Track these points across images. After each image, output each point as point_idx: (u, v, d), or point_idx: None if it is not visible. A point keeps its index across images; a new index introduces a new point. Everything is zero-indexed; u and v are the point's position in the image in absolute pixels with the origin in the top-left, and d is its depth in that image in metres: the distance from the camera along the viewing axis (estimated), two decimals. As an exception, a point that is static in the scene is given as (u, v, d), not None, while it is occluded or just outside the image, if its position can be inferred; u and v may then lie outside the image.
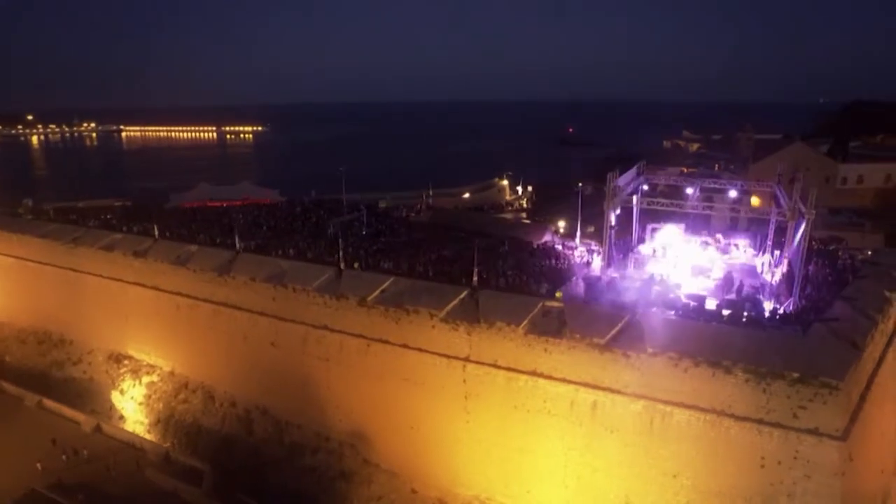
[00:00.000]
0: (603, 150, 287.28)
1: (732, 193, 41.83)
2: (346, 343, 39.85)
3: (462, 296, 36.60)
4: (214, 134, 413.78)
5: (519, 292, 36.86)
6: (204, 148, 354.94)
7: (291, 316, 41.88)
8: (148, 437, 45.43)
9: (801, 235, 33.64)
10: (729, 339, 30.46)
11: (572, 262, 43.47)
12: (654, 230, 44.73)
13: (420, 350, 37.11)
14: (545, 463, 34.37)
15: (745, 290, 35.82)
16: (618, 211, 38.27)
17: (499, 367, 34.86)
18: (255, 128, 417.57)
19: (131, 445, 43.28)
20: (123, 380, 50.27)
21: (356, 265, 41.77)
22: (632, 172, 44.69)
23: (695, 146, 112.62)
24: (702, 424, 30.37)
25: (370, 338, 38.82)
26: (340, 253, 41.19)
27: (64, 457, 40.83)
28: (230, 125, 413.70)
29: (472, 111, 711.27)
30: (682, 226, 42.99)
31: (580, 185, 55.82)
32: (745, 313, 32.32)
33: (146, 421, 47.91)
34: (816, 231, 48.15)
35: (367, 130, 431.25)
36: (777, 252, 39.32)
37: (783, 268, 37.60)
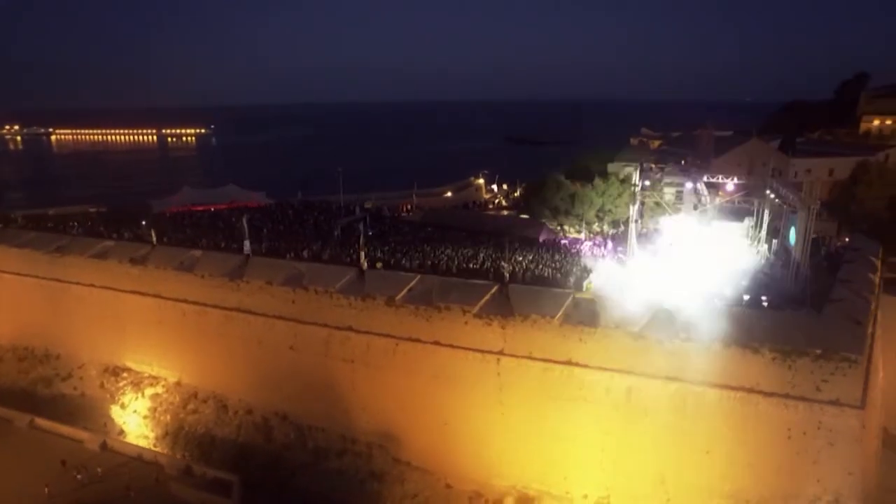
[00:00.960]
0: (556, 147, 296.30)
1: (730, 187, 44.66)
2: (373, 343, 39.85)
3: (492, 291, 37.45)
4: (154, 137, 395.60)
5: (545, 285, 38.06)
6: (143, 152, 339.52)
7: (313, 318, 41.42)
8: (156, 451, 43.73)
9: (806, 225, 36.42)
10: (753, 322, 32.74)
11: (583, 254, 45.09)
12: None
13: (452, 346, 37.65)
14: (581, 449, 35.70)
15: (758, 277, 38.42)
16: (638, 206, 40.16)
17: (534, 359, 35.91)
18: (198, 130, 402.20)
19: (145, 460, 41.50)
20: (123, 393, 48.02)
21: (378, 265, 41.78)
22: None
23: (656, 143, 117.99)
24: (732, 402, 32.49)
25: (399, 337, 39.00)
26: (363, 253, 41.10)
27: (79, 476, 38.71)
28: (171, 128, 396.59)
29: (425, 111, 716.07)
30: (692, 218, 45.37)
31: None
32: (763, 298, 34.78)
33: (152, 435, 46.02)
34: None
35: (321, 132, 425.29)
36: (775, 241, 42.32)
37: (782, 255, 40.57)
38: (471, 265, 41.41)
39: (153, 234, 48.25)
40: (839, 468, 31.20)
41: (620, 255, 42.43)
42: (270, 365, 43.23)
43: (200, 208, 62.70)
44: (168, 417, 46.06)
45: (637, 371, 33.97)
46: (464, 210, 74.79)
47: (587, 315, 35.08)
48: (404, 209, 73.42)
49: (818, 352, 30.77)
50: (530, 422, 36.52)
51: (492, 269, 39.78)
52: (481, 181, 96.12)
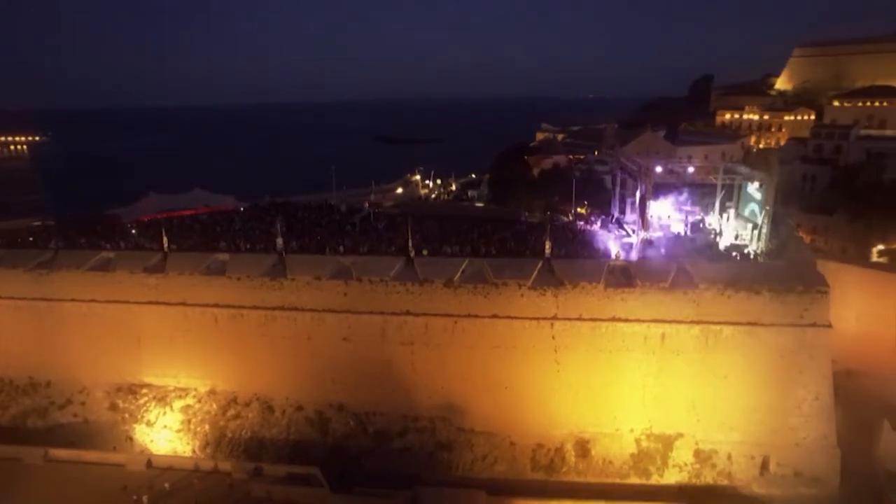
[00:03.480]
0: (424, 146, 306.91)
1: (690, 169, 54.44)
2: (431, 324, 42.96)
3: (539, 266, 42.70)
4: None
5: (577, 258, 44.23)
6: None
7: (367, 308, 43.28)
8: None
9: (770, 196, 46.53)
10: (750, 271, 41.97)
11: (581, 231, 52.06)
12: (632, 202, 55.48)
13: (509, 318, 42.26)
14: (626, 391, 42.40)
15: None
16: (642, 190, 47.77)
17: (583, 320, 41.86)
18: (31, 137, 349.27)
19: (204, 470, 40.43)
20: (147, 410, 45.15)
21: (424, 252, 44.83)
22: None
23: (560, 136, 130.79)
24: (741, 335, 41.25)
25: (457, 315, 42.61)
26: (410, 242, 43.91)
27: (145, 498, 36.90)
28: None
29: (300, 112, 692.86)
30: (674, 197, 54.11)
31: (577, 173, 64.76)
32: (747, 251, 44.29)
33: (188, 448, 44.32)
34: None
35: (185, 138, 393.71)
36: (731, 211, 52.67)
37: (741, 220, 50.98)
38: (505, 246, 46.17)
39: (165, 241, 46.05)
40: (818, 374, 41.28)
41: (628, 230, 50.00)
42: (322, 358, 44.14)
43: (175, 214, 59.42)
44: (206, 427, 44.63)
45: (668, 319, 41.43)
46: (439, 203, 78.51)
47: (623, 278, 41.92)
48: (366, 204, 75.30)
49: (801, 288, 40.53)
50: (582, 374, 42.44)
51: (528, 249, 44.95)
52: (417, 177, 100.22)
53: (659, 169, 54.07)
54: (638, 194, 47.41)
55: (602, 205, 66.98)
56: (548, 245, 43.20)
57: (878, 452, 44.55)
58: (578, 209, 61.84)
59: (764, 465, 41.60)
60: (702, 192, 54.96)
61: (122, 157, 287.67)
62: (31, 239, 51.88)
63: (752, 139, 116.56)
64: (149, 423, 45.13)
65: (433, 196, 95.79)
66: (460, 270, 42.77)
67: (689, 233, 48.07)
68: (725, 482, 41.40)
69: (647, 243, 45.92)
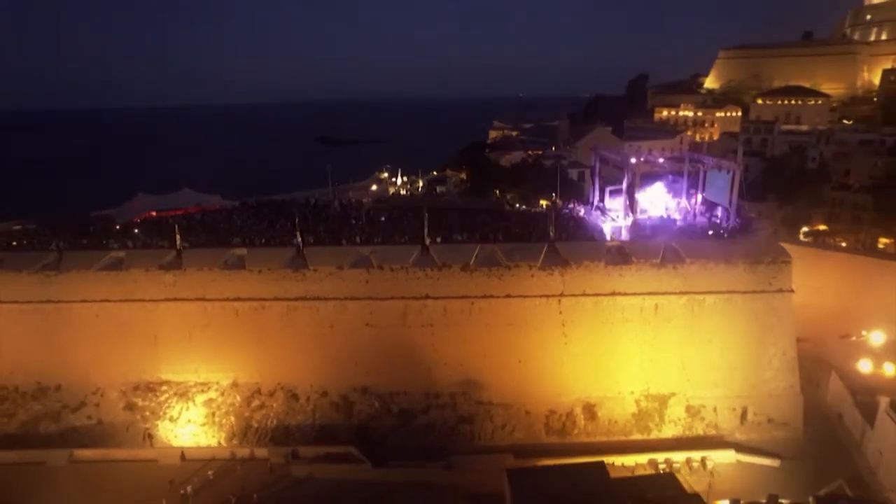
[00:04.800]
0: (369, 147, 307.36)
1: (661, 160, 60.45)
2: (450, 306, 46.03)
3: (545, 248, 46.77)
4: None
5: (577, 240, 48.74)
6: None
7: (389, 294, 45.71)
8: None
9: (735, 182, 52.78)
10: (727, 246, 47.96)
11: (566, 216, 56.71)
12: (611, 191, 60.86)
13: (522, 296, 46.07)
14: (626, 357, 47.25)
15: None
16: (629, 179, 52.86)
17: (587, 295, 46.34)
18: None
19: (240, 458, 41.59)
20: (169, 407, 45.29)
21: (438, 240, 47.79)
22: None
23: (514, 133, 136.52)
24: (722, 302, 47.10)
25: (474, 296, 45.94)
26: (426, 231, 46.77)
27: (189, 488, 37.78)
28: None
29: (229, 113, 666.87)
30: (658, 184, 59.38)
31: (564, 162, 69.14)
32: (722, 231, 50.41)
33: (213, 441, 45.04)
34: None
35: (107, 142, 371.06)
36: (700, 195, 58.92)
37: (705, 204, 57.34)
38: (510, 232, 49.94)
39: (177, 239, 46.42)
40: (784, 333, 47.81)
41: (613, 216, 55.05)
42: (345, 344, 46.09)
43: (168, 213, 59.03)
44: (232, 419, 45.48)
45: (660, 291, 46.65)
46: (423, 197, 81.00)
47: (619, 257, 46.77)
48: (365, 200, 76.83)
49: (769, 259, 46.91)
50: (587, 345, 46.91)
51: (530, 234, 48.91)
52: (385, 175, 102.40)
53: (633, 160, 59.98)
54: (625, 183, 52.54)
55: (570, 195, 72.37)
56: (552, 230, 47.36)
57: (827, 399, 51.99)
58: (548, 199, 66.58)
59: (743, 415, 47.72)
60: (672, 180, 61.14)
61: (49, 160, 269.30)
62: (24, 242, 50.33)
63: (689, 133, 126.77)
64: (172, 419, 45.39)
65: (403, 192, 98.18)
66: (474, 255, 46.12)
67: (670, 216, 53.77)
68: (713, 432, 47.19)
69: (637, 226, 51.12)
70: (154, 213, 58.78)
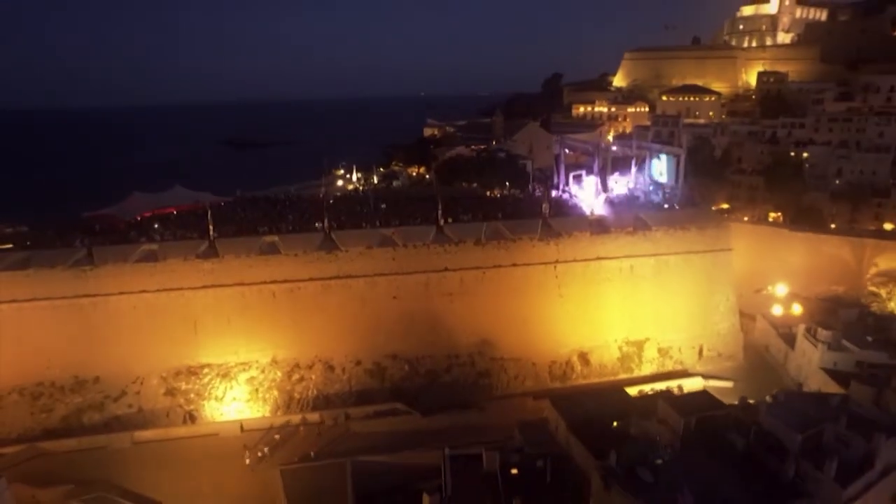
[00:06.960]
0: (277, 149, 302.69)
1: (614, 148, 70.75)
2: (465, 276, 52.67)
3: (540, 224, 54.81)
4: None
5: (563, 215, 57.33)
6: None
7: (413, 268, 51.47)
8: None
9: (681, 165, 63.95)
10: (682, 215, 58.75)
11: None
12: (576, 175, 70.36)
13: (525, 265, 53.76)
14: (611, 311, 56.49)
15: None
16: (599, 162, 62.10)
17: (577, 261, 54.99)
18: None
19: (296, 424, 45.62)
20: (213, 387, 47.87)
21: (449, 220, 54.22)
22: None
23: (451, 129, 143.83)
24: (681, 261, 57.79)
25: (485, 267, 52.95)
26: (440, 212, 53.07)
27: (266, 448, 41.60)
28: None
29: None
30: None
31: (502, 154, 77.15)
32: (674, 204, 61.24)
33: (259, 414, 48.41)
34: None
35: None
36: (647, 176, 69.96)
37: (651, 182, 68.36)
38: (506, 212, 57.44)
39: (211, 229, 49.14)
40: (726, 283, 59.55)
41: (580, 196, 64.26)
42: (375, 317, 51.22)
43: (166, 210, 60.14)
44: (275, 393, 49.05)
45: (634, 254, 56.39)
46: (399, 189, 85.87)
47: (600, 227, 55.93)
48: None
49: (714, 224, 58.31)
50: (579, 303, 55.53)
51: (523, 211, 56.73)
52: (342, 171, 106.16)
53: (603, 146, 69.82)
54: (596, 167, 61.92)
55: (524, 182, 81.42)
56: (545, 207, 55.53)
57: (755, 336, 64.59)
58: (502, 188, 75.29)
59: (700, 352, 58.80)
60: (622, 163, 71.91)
61: None
62: (28, 243, 50.23)
63: (606, 127, 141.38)
64: (217, 399, 48.12)
65: (360, 188, 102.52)
66: (483, 231, 53.12)
67: (633, 193, 63.98)
68: (679, 367, 57.75)
69: (610, 202, 60.65)
70: (153, 212, 59.65)
